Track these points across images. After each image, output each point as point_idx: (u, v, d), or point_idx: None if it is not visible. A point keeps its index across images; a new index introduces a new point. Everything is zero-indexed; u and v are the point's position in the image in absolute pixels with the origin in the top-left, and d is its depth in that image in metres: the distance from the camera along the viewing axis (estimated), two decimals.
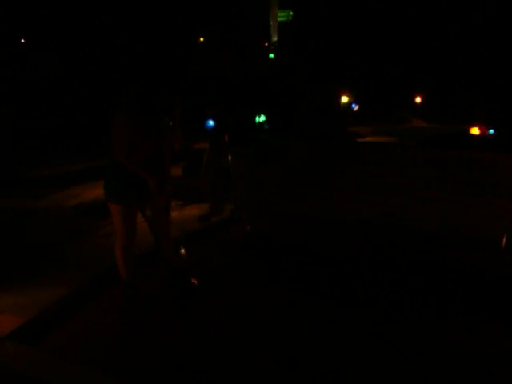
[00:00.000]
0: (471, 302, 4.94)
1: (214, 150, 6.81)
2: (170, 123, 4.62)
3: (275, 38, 43.38)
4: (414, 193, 7.56)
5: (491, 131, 16.17)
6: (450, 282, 5.42)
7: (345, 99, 28.31)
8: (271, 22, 44.34)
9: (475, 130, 15.76)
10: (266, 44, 38.96)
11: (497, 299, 5.04)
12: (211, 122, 7.05)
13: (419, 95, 41.66)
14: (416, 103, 42.40)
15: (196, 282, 4.96)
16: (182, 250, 5.03)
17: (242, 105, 6.63)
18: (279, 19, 45.23)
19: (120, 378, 3.50)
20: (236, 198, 6.99)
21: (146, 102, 4.29)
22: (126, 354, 3.90)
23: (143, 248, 5.55)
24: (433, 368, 3.77)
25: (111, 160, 4.40)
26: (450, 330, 4.36)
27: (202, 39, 31.91)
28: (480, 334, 4.30)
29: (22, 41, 25.40)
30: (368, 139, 23.09)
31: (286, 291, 5.12)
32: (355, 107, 31.06)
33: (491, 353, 4.01)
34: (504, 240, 6.63)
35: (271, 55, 33.30)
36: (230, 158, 6.69)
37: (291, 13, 43.91)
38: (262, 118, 11.29)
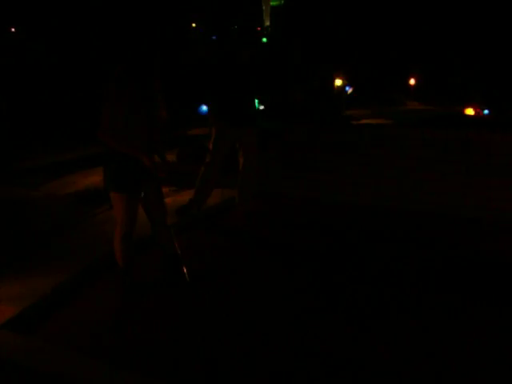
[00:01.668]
0: (474, 286, 4.92)
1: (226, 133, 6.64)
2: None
3: (267, 23, 43.25)
4: (412, 174, 7.54)
5: (486, 111, 16.16)
6: (449, 264, 5.40)
7: (339, 82, 28.19)
8: (263, 7, 44.21)
9: (470, 111, 15.75)
10: (259, 28, 38.88)
11: (498, 281, 5.03)
12: (204, 107, 6.97)
13: (413, 77, 41.57)
14: (410, 85, 42.32)
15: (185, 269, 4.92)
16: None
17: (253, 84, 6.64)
18: (272, 3, 45.08)
19: (117, 366, 3.48)
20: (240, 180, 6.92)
21: (133, 81, 4.22)
22: (123, 341, 3.88)
23: (139, 234, 5.52)
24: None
25: (108, 148, 4.35)
26: (452, 318, 4.35)
27: (194, 25, 31.74)
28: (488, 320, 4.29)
29: (13, 30, 25.23)
30: (363, 122, 23.05)
31: (284, 279, 5.10)
32: (349, 90, 30.94)
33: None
34: None
35: (264, 39, 33.19)
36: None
37: None
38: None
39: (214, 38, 30.02)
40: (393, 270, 5.24)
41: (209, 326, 4.11)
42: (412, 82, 41.52)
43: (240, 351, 3.72)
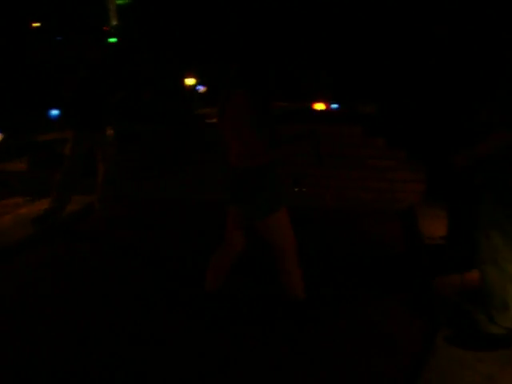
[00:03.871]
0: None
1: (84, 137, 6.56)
2: None
3: (115, 22, 42.33)
4: None
5: (334, 106, 16.85)
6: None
7: (190, 81, 28.17)
8: (110, 6, 43.23)
9: (320, 106, 16.35)
10: (106, 28, 37.93)
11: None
12: (55, 111, 6.79)
13: None
14: None
15: None
16: None
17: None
18: (118, 2, 44.20)
19: None
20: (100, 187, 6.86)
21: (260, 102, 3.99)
22: None
23: None
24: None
25: (256, 167, 3.91)
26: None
27: (37, 24, 30.33)
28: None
29: None
30: (215, 121, 23.27)
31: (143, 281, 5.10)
32: (202, 89, 31.01)
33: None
34: None
35: (113, 39, 32.50)
36: None
37: None
38: None
39: (58, 38, 28.88)
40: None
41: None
42: None
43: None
